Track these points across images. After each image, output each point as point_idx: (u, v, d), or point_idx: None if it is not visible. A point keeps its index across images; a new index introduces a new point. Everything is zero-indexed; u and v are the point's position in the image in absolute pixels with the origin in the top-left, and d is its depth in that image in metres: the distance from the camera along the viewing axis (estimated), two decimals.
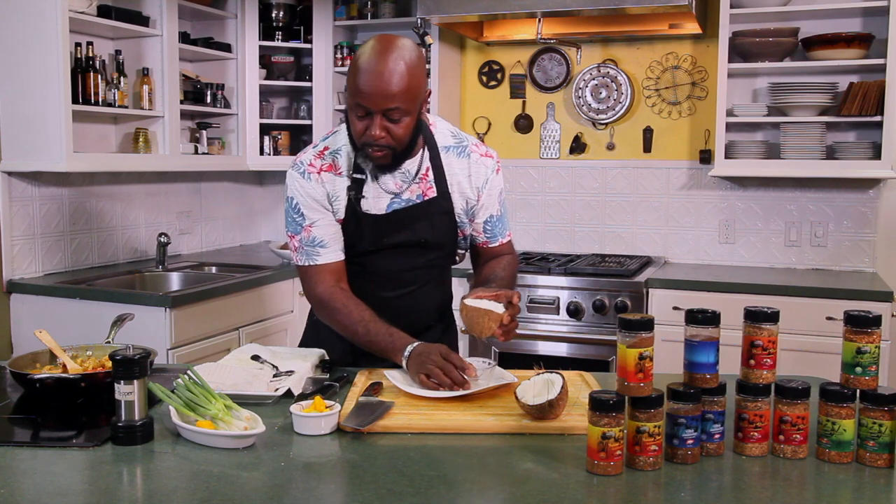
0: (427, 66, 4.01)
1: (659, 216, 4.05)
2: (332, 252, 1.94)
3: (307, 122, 4.32)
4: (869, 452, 1.35)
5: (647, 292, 3.46)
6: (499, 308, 1.71)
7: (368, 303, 1.92)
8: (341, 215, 1.94)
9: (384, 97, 1.75)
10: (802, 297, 3.27)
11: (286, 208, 1.96)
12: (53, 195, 3.43)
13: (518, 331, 3.48)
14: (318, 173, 1.92)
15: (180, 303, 3.04)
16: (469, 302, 1.73)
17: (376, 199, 1.93)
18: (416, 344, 1.79)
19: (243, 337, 3.38)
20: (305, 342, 2.14)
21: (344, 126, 1.94)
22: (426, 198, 1.95)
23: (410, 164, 1.92)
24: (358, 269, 1.99)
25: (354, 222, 1.93)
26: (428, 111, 1.99)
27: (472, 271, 2.15)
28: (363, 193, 1.92)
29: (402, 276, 2.00)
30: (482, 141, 4.27)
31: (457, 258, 2.13)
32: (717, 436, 1.40)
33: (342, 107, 4.32)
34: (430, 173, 1.95)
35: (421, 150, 1.94)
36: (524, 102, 4.24)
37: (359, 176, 1.91)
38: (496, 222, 2.05)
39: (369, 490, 1.24)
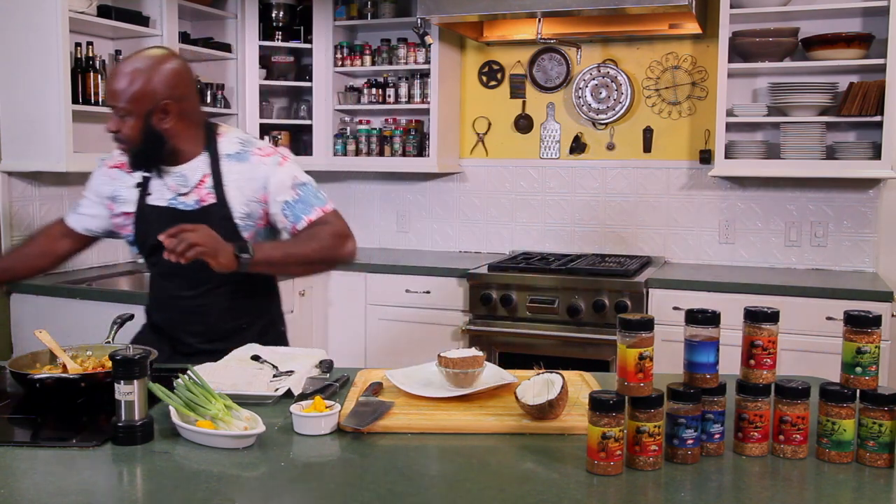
0: (427, 66, 4.04)
1: (659, 216, 4.05)
2: (75, 219, 2.23)
3: (307, 122, 4.32)
4: (869, 452, 1.35)
5: (647, 292, 3.46)
6: (480, 353, 1.70)
7: (168, 301, 2.14)
8: (126, 209, 2.11)
9: (111, 95, 1.97)
10: (802, 297, 3.27)
11: None
12: (53, 195, 3.43)
13: (518, 331, 3.53)
14: (110, 168, 2.16)
15: None
16: (448, 355, 1.70)
17: (159, 196, 2.07)
18: None
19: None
20: (137, 341, 2.13)
21: None
22: (203, 204, 2.05)
23: (188, 171, 2.05)
24: (157, 270, 2.14)
25: (142, 218, 2.09)
26: (220, 120, 2.14)
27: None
28: (149, 190, 2.08)
29: (194, 275, 2.03)
30: (483, 146, 4.27)
31: None
32: (717, 436, 1.40)
33: (343, 107, 4.32)
34: (209, 180, 2.05)
35: (200, 158, 2.06)
36: (524, 102, 4.24)
37: (145, 174, 2.08)
38: (294, 205, 2.06)
39: (369, 490, 1.24)
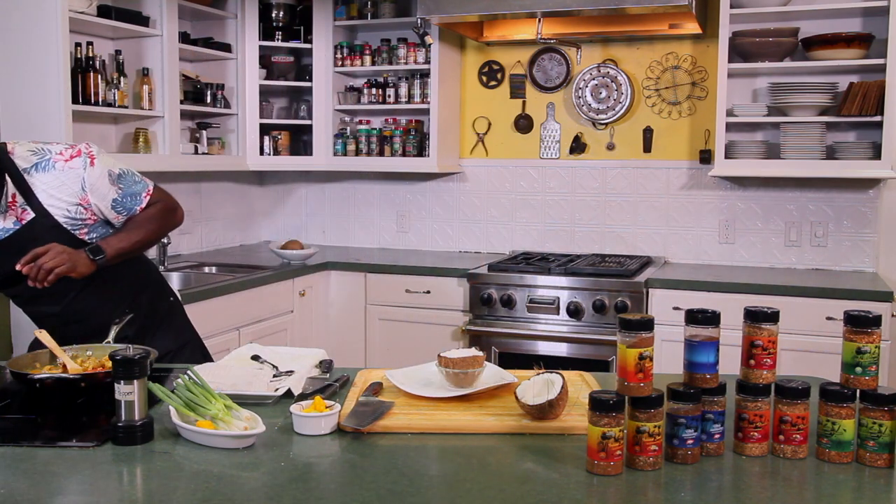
0: (427, 66, 4.03)
1: (659, 216, 4.05)
2: None
3: (307, 122, 4.32)
4: (869, 452, 1.35)
5: (647, 292, 3.46)
6: (480, 353, 1.70)
7: (44, 320, 2.06)
8: None
9: None
10: (802, 297, 3.27)
11: None
12: None
13: (518, 331, 3.53)
14: None
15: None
16: (448, 355, 1.70)
17: None
18: None
19: (243, 337, 3.38)
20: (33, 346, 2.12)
21: None
22: (24, 222, 1.99)
23: None
24: (19, 299, 2.12)
25: None
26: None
27: None
28: None
29: (53, 290, 1.99)
30: (483, 146, 4.27)
31: None
32: (717, 436, 1.40)
33: (343, 107, 4.32)
34: (19, 198, 1.99)
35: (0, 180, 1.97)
36: (524, 102, 4.24)
37: None
38: (122, 201, 2.07)
39: (369, 490, 1.24)
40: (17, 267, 1.83)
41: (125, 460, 1.37)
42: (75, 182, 2.01)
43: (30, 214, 1.99)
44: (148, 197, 2.12)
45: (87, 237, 2.05)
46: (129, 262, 2.15)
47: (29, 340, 2.06)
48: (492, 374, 1.76)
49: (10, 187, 1.98)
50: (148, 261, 2.33)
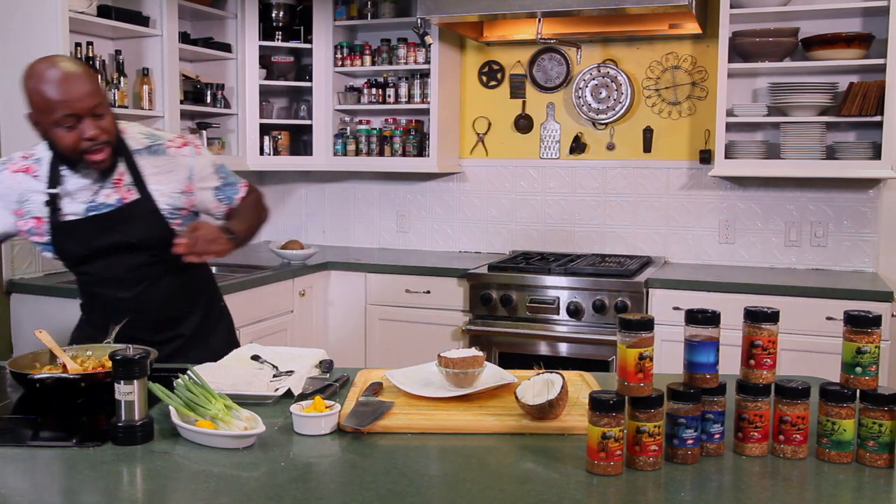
0: (427, 66, 4.03)
1: (659, 216, 4.05)
2: None
3: (307, 122, 4.32)
4: (869, 452, 1.35)
5: (647, 292, 3.46)
6: (480, 353, 1.70)
7: (108, 305, 2.07)
8: (38, 214, 2.03)
9: (87, 97, 1.88)
10: (802, 297, 3.27)
11: None
12: None
13: (518, 331, 3.53)
14: (13, 172, 2.06)
15: None
16: (448, 355, 1.69)
17: (75, 207, 2.02)
18: None
19: (243, 337, 3.37)
20: (75, 339, 2.15)
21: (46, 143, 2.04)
22: (126, 201, 2.03)
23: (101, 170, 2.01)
24: (88, 278, 2.10)
25: (60, 232, 2.02)
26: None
27: None
28: (60, 206, 2.01)
29: (129, 276, 2.06)
30: (483, 146, 4.27)
31: None
32: (717, 436, 1.40)
33: (343, 107, 4.32)
34: (127, 177, 2.03)
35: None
36: (524, 102, 4.24)
37: (52, 191, 2.01)
38: (223, 189, 2.17)
39: (369, 490, 1.24)
40: (178, 241, 1.88)
41: (125, 460, 1.37)
42: (184, 169, 2.09)
43: (133, 195, 2.03)
44: (245, 188, 2.23)
45: (179, 228, 2.08)
46: (186, 265, 2.18)
47: (29, 340, 2.07)
48: (492, 374, 1.76)
49: (121, 166, 2.03)
50: (208, 265, 2.33)
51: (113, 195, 2.02)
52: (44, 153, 2.05)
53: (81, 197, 2.01)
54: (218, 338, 2.26)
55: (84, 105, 1.88)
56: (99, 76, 2.01)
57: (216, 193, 2.16)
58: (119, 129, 2.04)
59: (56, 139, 1.92)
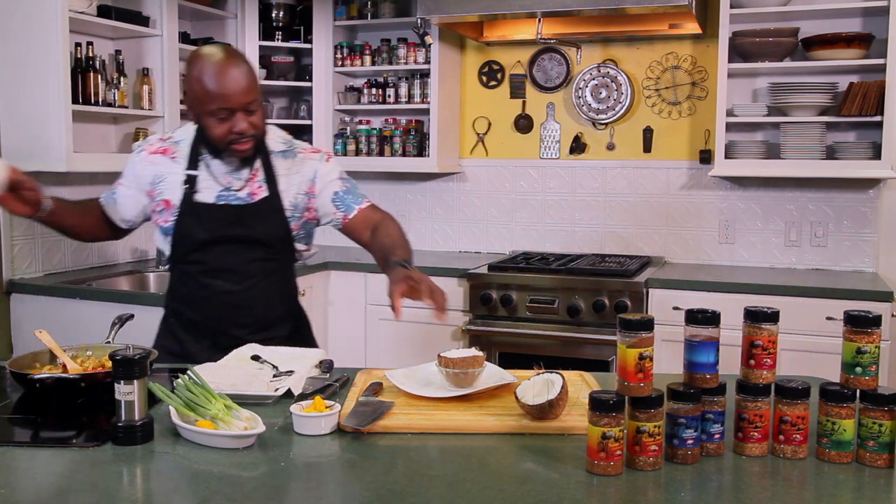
0: (427, 66, 4.03)
1: (659, 216, 4.05)
2: (111, 208, 2.18)
3: (307, 122, 4.32)
4: (869, 452, 1.35)
5: (647, 292, 3.46)
6: (480, 353, 1.70)
7: (213, 298, 2.10)
8: (168, 197, 2.09)
9: (243, 94, 1.94)
10: (802, 297, 3.27)
11: None
12: (53, 195, 3.43)
13: (518, 331, 3.53)
14: (151, 154, 2.12)
15: None
16: (448, 355, 1.69)
17: (209, 192, 2.08)
18: None
19: None
20: (160, 345, 2.15)
21: (190, 124, 2.13)
22: (256, 197, 2.09)
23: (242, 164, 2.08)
24: (199, 267, 2.11)
25: (191, 213, 2.07)
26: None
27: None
28: (196, 188, 2.07)
29: (242, 269, 2.10)
30: (483, 146, 4.27)
31: (298, 254, 2.22)
32: (717, 436, 1.40)
33: (343, 107, 4.32)
34: (261, 174, 2.10)
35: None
36: (524, 102, 4.24)
37: (192, 172, 2.08)
38: (344, 196, 2.18)
39: (369, 490, 1.24)
40: (425, 300, 1.89)
41: (125, 460, 1.37)
42: (309, 171, 2.15)
43: (263, 192, 2.10)
44: (368, 203, 2.22)
45: (296, 231, 2.15)
46: (293, 265, 2.25)
47: (29, 340, 2.08)
48: (492, 374, 1.76)
49: (257, 163, 2.10)
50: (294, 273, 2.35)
51: (245, 189, 2.08)
52: (183, 136, 2.12)
53: (216, 183, 2.07)
54: (310, 343, 2.26)
55: (240, 101, 1.94)
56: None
57: (335, 198, 2.16)
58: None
59: (207, 127, 1.99)
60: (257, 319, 2.12)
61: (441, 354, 1.69)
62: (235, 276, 2.11)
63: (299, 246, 2.21)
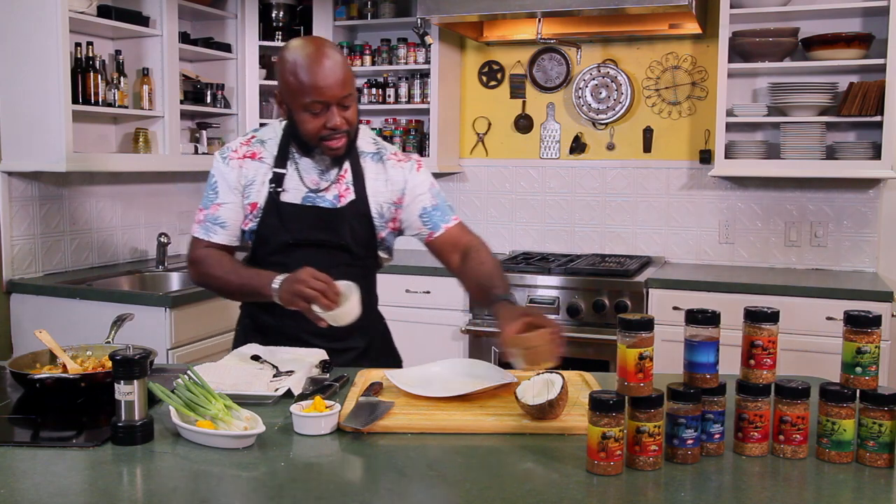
0: (427, 66, 4.04)
1: (659, 216, 4.05)
2: (227, 235, 2.03)
3: None
4: (869, 452, 1.35)
5: (647, 292, 3.46)
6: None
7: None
8: (255, 199, 2.00)
9: (339, 87, 1.86)
10: (802, 297, 3.27)
11: (206, 185, 2.06)
12: (53, 195, 3.43)
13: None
14: (239, 159, 2.02)
15: (180, 303, 3.04)
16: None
17: (296, 192, 2.00)
18: (284, 275, 1.82)
19: None
20: (236, 347, 2.11)
21: (275, 122, 2.06)
22: (343, 199, 2.01)
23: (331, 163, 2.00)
24: (280, 269, 1.97)
25: (276, 214, 2.00)
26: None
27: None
28: (283, 187, 2.00)
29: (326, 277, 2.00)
30: (483, 146, 4.27)
31: (380, 261, 2.15)
32: (717, 436, 1.40)
33: None
34: (348, 176, 2.02)
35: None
36: (524, 102, 4.24)
37: (280, 170, 2.00)
38: (432, 212, 2.07)
39: (369, 490, 1.24)
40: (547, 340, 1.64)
41: (125, 460, 1.37)
42: (399, 180, 2.05)
43: (350, 196, 2.01)
44: (457, 220, 2.10)
45: (380, 239, 2.07)
46: (375, 274, 2.17)
47: (29, 340, 2.05)
48: (492, 375, 1.76)
49: (346, 164, 2.01)
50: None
51: (332, 190, 2.00)
52: (269, 135, 2.04)
53: (303, 184, 1.99)
54: (389, 359, 2.17)
55: (335, 94, 1.86)
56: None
57: (423, 214, 2.05)
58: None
59: (299, 121, 1.91)
60: (334, 329, 1.93)
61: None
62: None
63: (381, 254, 2.13)
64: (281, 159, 2.00)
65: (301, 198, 2.00)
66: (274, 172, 1.99)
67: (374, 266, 2.15)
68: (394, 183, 2.04)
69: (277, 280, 1.81)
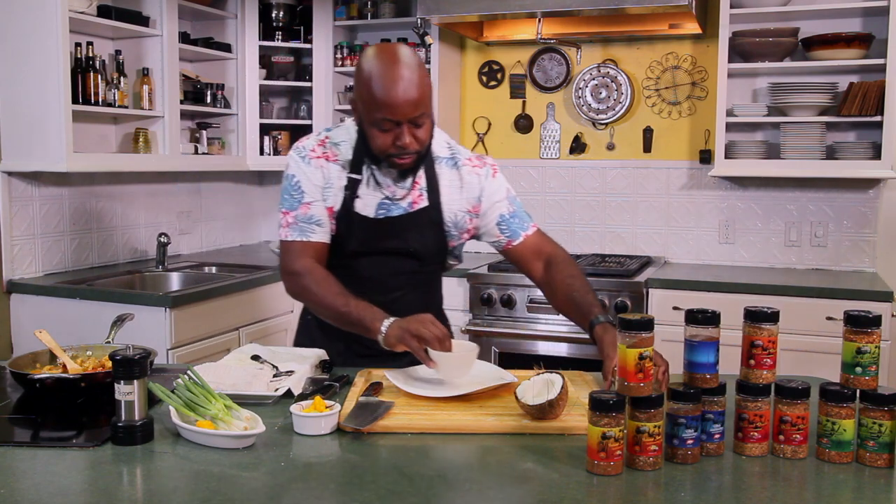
0: (427, 67, 4.04)
1: (659, 216, 4.05)
2: (324, 233, 1.95)
3: (307, 122, 4.31)
4: (869, 452, 1.35)
5: (647, 292, 3.46)
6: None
7: None
8: (331, 204, 1.94)
9: (412, 106, 1.77)
10: (802, 297, 3.27)
11: (284, 186, 1.97)
12: (53, 195, 3.43)
13: (518, 331, 3.53)
14: (318, 158, 1.94)
15: (180, 303, 3.04)
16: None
17: (370, 200, 1.94)
18: (395, 318, 1.76)
19: (243, 337, 3.38)
20: (298, 343, 2.13)
21: (349, 122, 1.98)
22: (416, 206, 1.95)
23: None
24: (345, 273, 1.95)
25: (346, 222, 1.94)
26: None
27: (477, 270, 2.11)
28: (357, 193, 1.93)
29: (390, 281, 1.98)
30: (483, 146, 4.27)
31: (447, 265, 2.12)
32: (717, 436, 1.40)
33: (342, 107, 4.32)
34: (423, 181, 1.96)
35: None
36: (524, 102, 4.24)
37: (355, 176, 1.93)
38: (510, 220, 2.01)
39: (369, 490, 1.24)
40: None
41: (125, 460, 1.37)
42: (475, 188, 1.99)
43: (423, 202, 1.95)
44: (535, 227, 2.03)
45: (451, 248, 2.03)
46: (440, 277, 2.13)
47: (29, 340, 2.04)
48: (492, 374, 1.76)
49: (420, 171, 1.94)
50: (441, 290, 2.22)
51: (406, 197, 1.94)
52: (343, 137, 1.96)
53: (378, 190, 1.93)
54: None
55: (406, 113, 1.77)
56: (428, 77, 1.81)
57: (500, 222, 1.99)
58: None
59: (369, 135, 1.84)
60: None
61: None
62: (382, 287, 1.96)
63: (451, 260, 2.09)
64: (356, 164, 1.93)
65: (375, 205, 1.93)
66: (349, 178, 1.93)
67: (440, 270, 2.11)
68: (470, 190, 1.99)
69: (388, 320, 1.75)
